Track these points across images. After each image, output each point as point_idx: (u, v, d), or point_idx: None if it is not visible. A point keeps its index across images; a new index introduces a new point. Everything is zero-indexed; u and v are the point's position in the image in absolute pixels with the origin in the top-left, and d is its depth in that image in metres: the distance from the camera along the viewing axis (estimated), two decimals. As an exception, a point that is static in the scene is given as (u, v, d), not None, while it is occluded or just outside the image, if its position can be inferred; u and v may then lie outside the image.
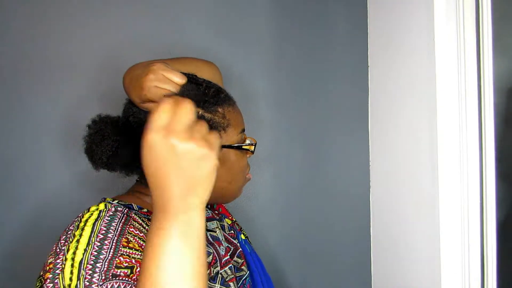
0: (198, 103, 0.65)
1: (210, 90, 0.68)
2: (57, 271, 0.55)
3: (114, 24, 1.07)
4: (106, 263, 0.55)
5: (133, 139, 0.66)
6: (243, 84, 1.13)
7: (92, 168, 0.71)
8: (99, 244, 0.57)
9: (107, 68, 1.06)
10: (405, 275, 1.06)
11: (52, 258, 0.59)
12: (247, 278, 0.75)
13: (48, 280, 0.55)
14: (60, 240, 0.61)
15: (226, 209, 0.88)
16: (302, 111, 1.18)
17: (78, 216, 0.63)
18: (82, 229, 0.59)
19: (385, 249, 1.17)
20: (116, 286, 0.53)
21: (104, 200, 0.66)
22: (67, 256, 0.56)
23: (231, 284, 0.69)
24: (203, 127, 0.47)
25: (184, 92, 0.63)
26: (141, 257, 0.57)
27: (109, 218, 0.60)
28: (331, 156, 1.20)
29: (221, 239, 0.74)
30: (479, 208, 0.87)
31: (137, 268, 0.56)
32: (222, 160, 0.68)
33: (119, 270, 0.55)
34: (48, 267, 0.59)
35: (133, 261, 0.57)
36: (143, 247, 0.59)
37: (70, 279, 0.53)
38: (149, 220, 0.64)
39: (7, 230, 1.01)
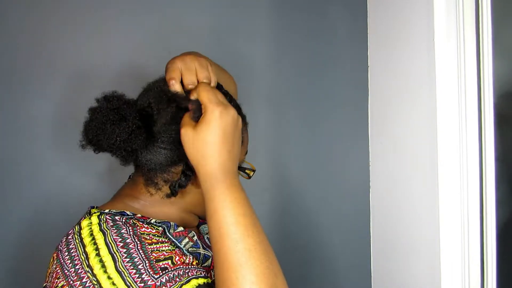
0: None
1: (232, 103, 0.68)
2: None
3: (113, 22, 1.07)
4: (147, 262, 0.54)
5: (148, 128, 0.64)
6: (243, 84, 1.13)
7: (91, 154, 0.66)
8: (124, 250, 0.55)
9: (107, 67, 1.06)
10: (405, 275, 1.06)
11: (63, 280, 0.57)
12: None
13: None
14: (62, 263, 0.58)
15: None
16: (302, 111, 1.18)
17: (69, 233, 0.61)
18: (94, 244, 0.56)
19: (385, 249, 1.17)
20: (171, 275, 0.54)
21: (91, 209, 0.64)
22: (95, 272, 0.54)
23: None
24: None
25: None
26: (169, 248, 0.58)
27: (115, 228, 0.58)
28: (331, 156, 1.20)
29: None
30: (479, 208, 0.87)
31: (175, 257, 0.56)
32: None
33: (161, 263, 0.55)
34: None
35: (165, 253, 0.56)
36: (161, 242, 0.59)
37: None
38: (148, 224, 0.63)
39: (7, 231, 1.01)
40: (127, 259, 0.54)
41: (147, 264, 0.54)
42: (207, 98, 0.58)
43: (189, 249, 0.65)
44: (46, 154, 1.03)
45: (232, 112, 0.57)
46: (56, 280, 0.58)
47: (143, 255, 0.55)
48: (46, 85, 1.03)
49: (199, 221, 0.78)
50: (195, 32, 1.12)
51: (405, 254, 1.06)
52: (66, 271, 0.57)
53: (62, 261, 0.58)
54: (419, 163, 1.00)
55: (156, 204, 0.68)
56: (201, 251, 0.67)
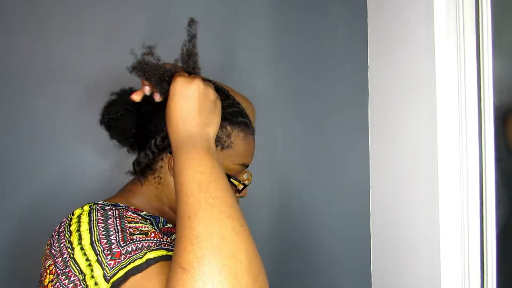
0: None
1: (230, 108, 0.68)
2: (68, 263, 0.55)
3: (112, 22, 1.07)
4: (120, 234, 0.55)
5: (152, 119, 0.67)
6: (242, 84, 1.13)
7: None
8: (103, 225, 0.57)
9: (107, 67, 1.06)
10: (405, 275, 1.06)
11: (50, 260, 0.59)
12: None
13: (58, 276, 0.55)
14: (52, 244, 0.61)
15: None
16: (302, 111, 1.18)
17: (62, 221, 0.63)
18: (78, 223, 0.58)
19: (385, 249, 1.17)
20: (140, 246, 0.53)
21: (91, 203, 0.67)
22: (73, 246, 0.56)
23: None
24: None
25: None
26: (148, 228, 0.58)
27: (102, 211, 0.60)
28: (331, 156, 1.20)
29: None
30: (479, 208, 0.87)
31: (150, 234, 0.56)
32: None
33: (135, 236, 0.55)
34: (48, 270, 0.59)
35: (143, 229, 0.57)
36: (142, 222, 0.60)
37: (87, 259, 0.54)
38: (138, 215, 0.65)
39: (4, 229, 1.01)
40: (103, 232, 0.56)
41: (119, 236, 0.55)
42: (177, 74, 0.61)
43: None
44: (45, 153, 1.03)
45: (197, 82, 0.58)
46: (46, 261, 0.61)
47: (119, 228, 0.56)
48: (47, 83, 1.03)
49: None
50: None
51: (405, 254, 1.06)
52: (53, 250, 0.59)
53: (51, 243, 0.61)
54: (419, 163, 1.00)
55: (148, 199, 0.70)
56: None
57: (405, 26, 1.05)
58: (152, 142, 0.65)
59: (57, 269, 0.57)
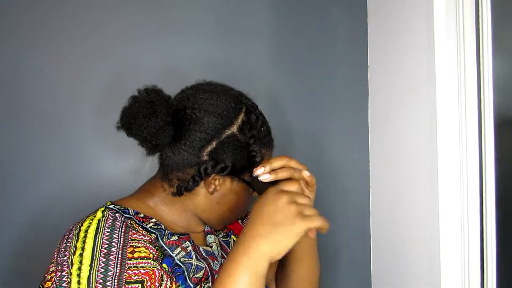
0: (251, 137, 0.69)
1: (264, 127, 0.72)
2: (64, 285, 0.57)
3: (114, 23, 1.07)
4: (116, 281, 0.56)
5: (177, 126, 0.65)
6: (242, 85, 1.13)
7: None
8: (104, 259, 0.58)
9: (108, 69, 1.06)
10: (405, 275, 1.06)
11: (54, 267, 0.60)
12: None
13: None
14: (60, 247, 0.61)
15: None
16: (301, 111, 1.18)
17: (76, 223, 0.64)
18: (84, 242, 0.59)
19: (385, 249, 1.17)
20: None
21: (104, 206, 0.67)
22: (72, 271, 0.57)
23: None
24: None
25: (243, 125, 0.69)
26: (149, 265, 0.59)
27: (109, 230, 0.61)
28: (331, 156, 1.20)
29: (216, 254, 0.74)
30: (479, 208, 0.88)
31: (147, 282, 0.58)
32: (239, 191, 0.71)
33: (129, 286, 0.56)
34: (49, 276, 0.60)
35: (142, 271, 0.58)
36: (150, 251, 0.61)
37: None
38: (143, 227, 0.65)
39: (11, 229, 1.01)
40: (102, 270, 0.57)
41: (115, 284, 0.56)
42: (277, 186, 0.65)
43: (181, 258, 0.66)
44: (46, 155, 1.03)
45: (283, 197, 0.61)
46: (51, 264, 0.62)
47: (118, 271, 0.57)
48: (47, 83, 1.03)
49: (206, 230, 0.77)
50: (194, 32, 1.12)
51: (405, 254, 1.06)
52: (58, 258, 0.60)
53: (60, 246, 0.62)
54: (419, 163, 1.00)
55: (167, 202, 0.71)
56: (194, 261, 0.68)
57: (405, 26, 1.05)
58: (202, 169, 0.65)
59: (54, 282, 0.59)
